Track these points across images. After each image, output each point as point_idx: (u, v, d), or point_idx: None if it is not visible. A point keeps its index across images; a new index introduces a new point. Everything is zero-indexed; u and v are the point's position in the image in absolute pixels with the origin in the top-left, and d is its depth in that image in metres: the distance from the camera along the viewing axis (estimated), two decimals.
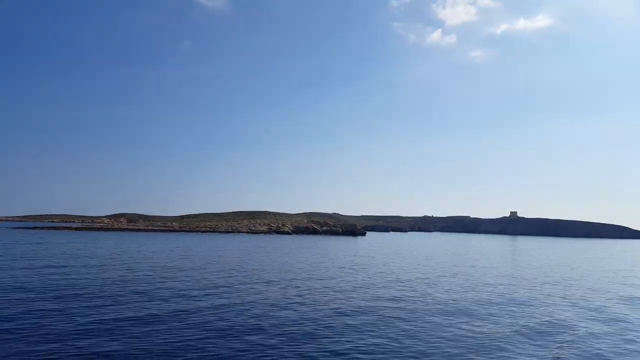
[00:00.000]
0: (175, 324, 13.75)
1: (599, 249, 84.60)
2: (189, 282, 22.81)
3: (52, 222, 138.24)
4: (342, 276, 27.56)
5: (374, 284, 24.29)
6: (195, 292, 19.60)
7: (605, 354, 11.99)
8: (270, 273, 27.67)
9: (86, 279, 22.72)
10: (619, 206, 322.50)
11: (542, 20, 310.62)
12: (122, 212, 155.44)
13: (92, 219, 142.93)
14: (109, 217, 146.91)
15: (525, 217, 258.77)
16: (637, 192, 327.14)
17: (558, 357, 11.38)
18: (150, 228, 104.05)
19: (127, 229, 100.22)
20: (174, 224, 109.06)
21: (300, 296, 19.57)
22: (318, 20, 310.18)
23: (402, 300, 19.48)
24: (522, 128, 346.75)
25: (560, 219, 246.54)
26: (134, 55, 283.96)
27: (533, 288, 24.75)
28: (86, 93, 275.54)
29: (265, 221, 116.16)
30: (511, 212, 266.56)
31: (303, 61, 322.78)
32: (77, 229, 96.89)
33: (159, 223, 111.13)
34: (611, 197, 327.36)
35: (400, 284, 24.59)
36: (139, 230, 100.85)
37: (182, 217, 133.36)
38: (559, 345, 12.67)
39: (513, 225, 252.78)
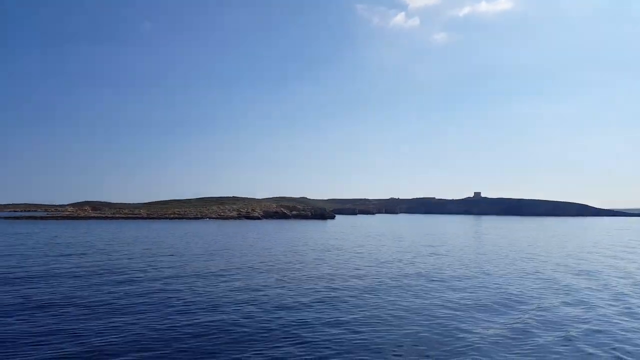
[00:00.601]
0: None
1: (557, 226, 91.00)
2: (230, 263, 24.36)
3: (15, 211, 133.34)
4: (333, 258, 29.80)
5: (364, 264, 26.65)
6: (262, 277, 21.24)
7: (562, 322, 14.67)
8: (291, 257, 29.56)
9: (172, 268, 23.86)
10: (580, 186, 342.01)
11: (503, 3, 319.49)
12: (85, 200, 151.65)
13: (56, 207, 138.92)
14: (73, 205, 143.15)
15: (488, 197, 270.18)
16: (597, 171, 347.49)
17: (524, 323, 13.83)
18: (118, 216, 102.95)
19: (95, 217, 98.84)
20: (141, 211, 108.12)
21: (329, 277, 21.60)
22: (279, 2, 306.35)
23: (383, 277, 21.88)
24: (485, 110, 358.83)
25: (523, 198, 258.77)
26: (95, 34, 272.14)
27: (497, 264, 27.81)
28: (46, 73, 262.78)
29: (234, 206, 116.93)
30: (475, 193, 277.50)
31: (267, 43, 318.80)
32: (42, 218, 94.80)
33: (126, 210, 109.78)
34: (573, 177, 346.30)
35: (382, 263, 27.08)
36: (106, 218, 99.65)
37: (149, 204, 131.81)
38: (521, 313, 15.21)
39: (477, 205, 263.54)
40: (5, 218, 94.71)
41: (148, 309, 14.29)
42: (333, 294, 17.10)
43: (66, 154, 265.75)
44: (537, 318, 13.73)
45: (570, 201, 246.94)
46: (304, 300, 15.89)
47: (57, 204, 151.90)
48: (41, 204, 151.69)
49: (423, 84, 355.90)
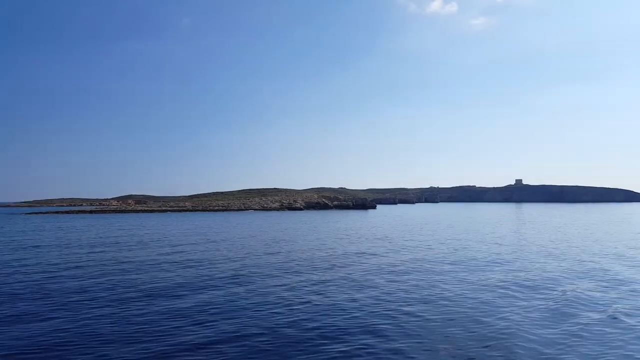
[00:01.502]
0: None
1: (603, 212, 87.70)
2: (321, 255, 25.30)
3: (61, 206, 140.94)
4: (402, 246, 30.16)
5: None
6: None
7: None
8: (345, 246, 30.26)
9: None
10: (626, 171, 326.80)
11: None
12: (129, 194, 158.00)
13: (100, 201, 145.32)
14: (116, 199, 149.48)
15: (530, 184, 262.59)
16: None
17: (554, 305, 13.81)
18: (163, 208, 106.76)
19: (142, 211, 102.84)
20: (186, 203, 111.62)
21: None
22: None
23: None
24: (525, 95, 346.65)
25: (565, 184, 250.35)
26: (135, 31, 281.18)
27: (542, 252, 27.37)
28: (87, 70, 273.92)
29: (277, 198, 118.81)
30: (516, 180, 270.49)
31: (303, 32, 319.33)
32: (92, 212, 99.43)
33: (171, 203, 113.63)
34: (618, 163, 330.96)
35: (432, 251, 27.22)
36: (152, 211, 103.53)
37: (192, 196, 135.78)
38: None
39: (518, 193, 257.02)
40: (56, 213, 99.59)
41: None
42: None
43: (107, 149, 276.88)
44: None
45: (615, 187, 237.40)
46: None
47: (101, 198, 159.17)
48: (86, 199, 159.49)
49: (462, 70, 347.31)
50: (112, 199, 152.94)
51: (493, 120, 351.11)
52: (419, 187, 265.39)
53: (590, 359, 9.09)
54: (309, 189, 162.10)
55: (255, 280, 17.66)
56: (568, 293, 15.09)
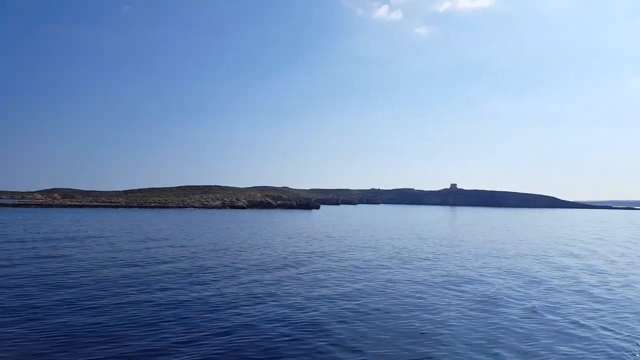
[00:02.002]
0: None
1: (526, 217, 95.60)
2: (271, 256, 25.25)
3: None
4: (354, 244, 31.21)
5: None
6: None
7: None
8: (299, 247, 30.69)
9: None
10: (549, 179, 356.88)
11: (482, 0, 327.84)
12: (53, 187, 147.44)
13: (22, 194, 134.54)
14: (41, 192, 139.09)
15: (464, 188, 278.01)
16: (566, 165, 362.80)
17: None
18: (94, 204, 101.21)
19: (73, 206, 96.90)
20: (120, 199, 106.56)
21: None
22: None
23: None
24: (462, 104, 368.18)
25: (495, 190, 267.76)
26: (74, 15, 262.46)
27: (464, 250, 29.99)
28: (10, 53, 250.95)
29: (218, 196, 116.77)
30: (452, 185, 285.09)
31: (250, 31, 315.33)
32: (14, 205, 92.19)
33: (103, 198, 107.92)
34: (543, 170, 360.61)
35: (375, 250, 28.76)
36: (83, 206, 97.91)
37: (126, 192, 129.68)
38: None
39: (453, 197, 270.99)
40: None
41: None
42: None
43: (31, 139, 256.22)
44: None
45: (539, 193, 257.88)
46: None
47: (24, 191, 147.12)
48: (5, 191, 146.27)
49: (404, 77, 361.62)
50: (36, 192, 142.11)
51: (431, 126, 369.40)
52: (361, 188, 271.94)
53: (510, 351, 10.43)
54: (251, 187, 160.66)
55: (207, 280, 17.79)
56: (493, 290, 16.81)
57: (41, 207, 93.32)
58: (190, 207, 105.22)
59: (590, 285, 18.51)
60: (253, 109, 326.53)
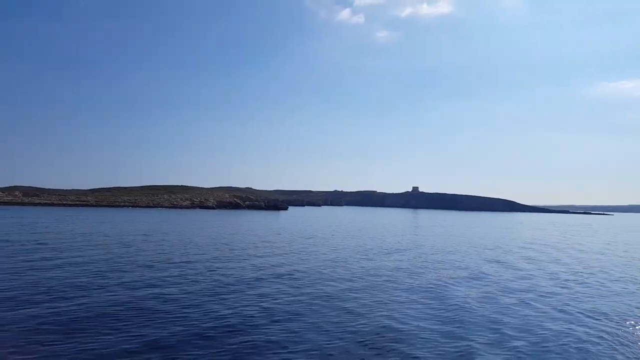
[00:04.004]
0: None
1: (485, 219, 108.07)
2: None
3: None
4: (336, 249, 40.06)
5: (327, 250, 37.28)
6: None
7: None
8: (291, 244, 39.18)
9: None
10: (508, 183, 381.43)
11: (443, 7, 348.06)
12: (12, 184, 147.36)
13: None
14: (1, 190, 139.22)
15: (425, 192, 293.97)
16: (524, 170, 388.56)
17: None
18: (64, 202, 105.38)
19: (43, 204, 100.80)
20: (89, 198, 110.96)
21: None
22: None
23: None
24: (421, 109, 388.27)
25: (456, 193, 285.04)
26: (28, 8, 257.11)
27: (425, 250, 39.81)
28: None
29: (187, 196, 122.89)
30: (413, 188, 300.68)
31: (211, 26, 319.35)
32: None
33: (72, 197, 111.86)
34: (502, 175, 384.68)
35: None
36: (53, 204, 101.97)
37: (91, 191, 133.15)
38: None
39: (415, 199, 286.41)
40: None
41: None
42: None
43: None
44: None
45: (498, 197, 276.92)
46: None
47: None
48: None
49: (366, 80, 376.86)
50: None
51: (392, 130, 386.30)
52: (324, 190, 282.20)
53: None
54: (217, 188, 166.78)
55: (199, 279, 18.87)
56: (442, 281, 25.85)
57: (12, 205, 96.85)
58: (160, 206, 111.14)
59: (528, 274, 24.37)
60: (213, 108, 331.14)
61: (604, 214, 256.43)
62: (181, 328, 11.86)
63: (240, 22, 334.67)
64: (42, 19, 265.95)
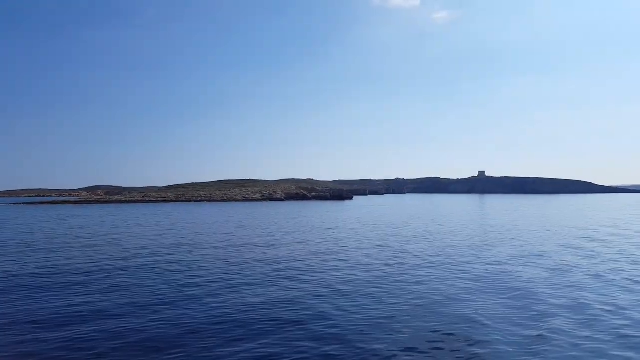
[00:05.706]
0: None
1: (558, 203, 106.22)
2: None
3: (30, 196, 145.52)
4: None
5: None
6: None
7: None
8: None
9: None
10: (586, 163, 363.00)
11: None
12: (95, 184, 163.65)
13: (69, 192, 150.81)
14: (85, 190, 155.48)
15: (492, 176, 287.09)
16: (603, 149, 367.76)
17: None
18: (147, 199, 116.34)
19: (127, 201, 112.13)
20: (169, 194, 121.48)
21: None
22: None
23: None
24: (487, 88, 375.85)
25: (527, 176, 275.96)
26: (103, 19, 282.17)
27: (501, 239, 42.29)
28: (50, 59, 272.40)
29: (256, 189, 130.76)
30: (479, 172, 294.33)
31: (268, 25, 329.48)
32: (76, 202, 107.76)
33: (153, 194, 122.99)
34: (579, 155, 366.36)
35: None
36: (137, 201, 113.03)
37: (168, 187, 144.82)
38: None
39: (481, 185, 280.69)
40: (28, 204, 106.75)
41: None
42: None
43: (74, 139, 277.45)
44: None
45: (574, 179, 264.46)
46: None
47: (68, 188, 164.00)
48: (53, 189, 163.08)
49: (425, 64, 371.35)
50: (80, 189, 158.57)
51: (457, 113, 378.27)
52: (385, 178, 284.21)
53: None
54: (281, 180, 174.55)
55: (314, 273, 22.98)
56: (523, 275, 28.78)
57: (98, 203, 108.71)
58: (233, 200, 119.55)
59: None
60: (270, 102, 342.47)
61: None
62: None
63: (288, 15, 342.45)
64: (115, 27, 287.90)
